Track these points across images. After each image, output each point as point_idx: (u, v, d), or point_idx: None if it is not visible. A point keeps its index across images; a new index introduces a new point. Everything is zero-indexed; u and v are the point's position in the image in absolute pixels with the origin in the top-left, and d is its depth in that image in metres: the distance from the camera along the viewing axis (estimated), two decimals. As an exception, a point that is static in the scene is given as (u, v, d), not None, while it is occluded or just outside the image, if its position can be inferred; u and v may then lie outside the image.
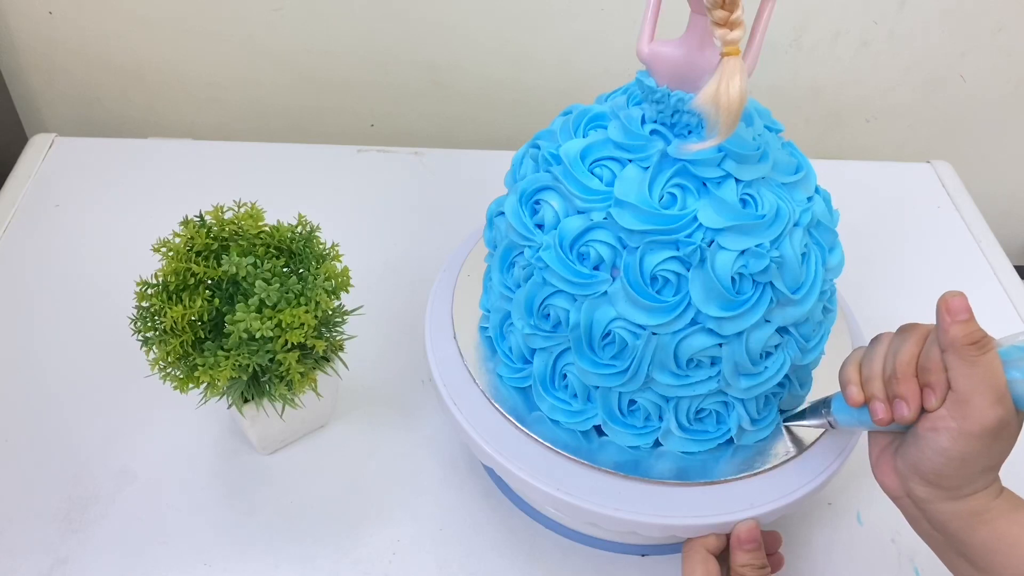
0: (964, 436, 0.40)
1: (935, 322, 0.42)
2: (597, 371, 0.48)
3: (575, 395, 0.51)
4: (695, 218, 0.44)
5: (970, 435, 0.40)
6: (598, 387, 0.49)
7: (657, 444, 0.51)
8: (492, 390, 0.53)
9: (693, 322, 0.45)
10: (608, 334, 0.47)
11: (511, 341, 0.53)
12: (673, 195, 0.45)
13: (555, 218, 0.48)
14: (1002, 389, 0.39)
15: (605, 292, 0.46)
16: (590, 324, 0.47)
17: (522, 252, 0.50)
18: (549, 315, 0.49)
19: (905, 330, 0.44)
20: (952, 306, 0.40)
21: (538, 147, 0.51)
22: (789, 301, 0.46)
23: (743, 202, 0.45)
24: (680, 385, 0.47)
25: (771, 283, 0.45)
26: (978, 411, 0.39)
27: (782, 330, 0.47)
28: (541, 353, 0.51)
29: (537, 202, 0.49)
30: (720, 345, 0.46)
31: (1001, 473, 0.43)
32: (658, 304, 0.45)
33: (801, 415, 0.52)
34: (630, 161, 0.46)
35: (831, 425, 0.49)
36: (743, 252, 0.44)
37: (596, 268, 0.47)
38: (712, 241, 0.44)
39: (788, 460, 0.51)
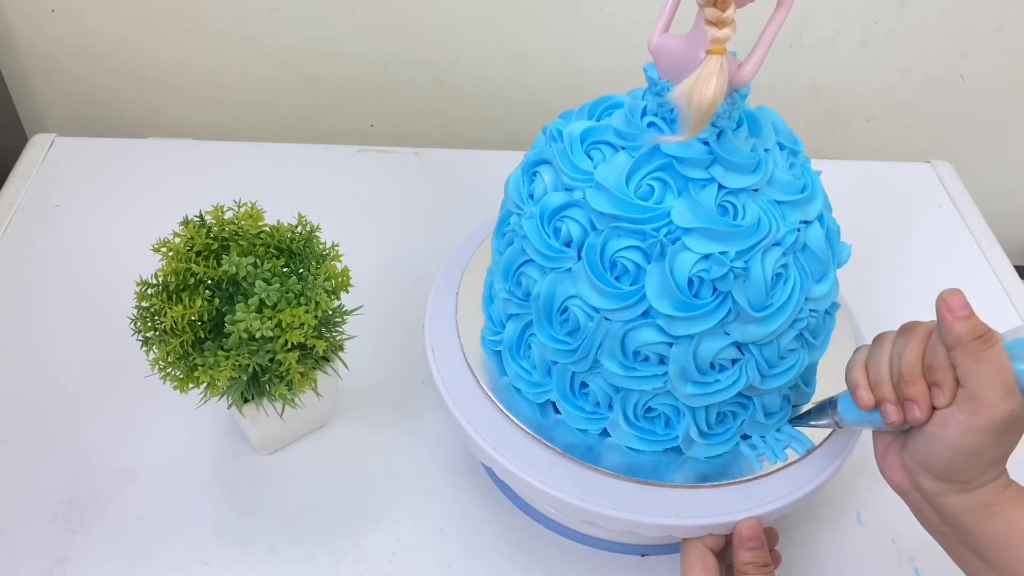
0: (974, 430, 0.40)
1: (936, 321, 0.42)
2: (553, 345, 0.49)
3: (535, 367, 0.52)
4: (667, 213, 0.44)
5: (980, 429, 0.40)
6: (556, 363, 0.50)
7: (606, 434, 0.51)
8: (478, 364, 0.54)
9: (645, 315, 0.46)
10: (565, 310, 0.48)
11: (495, 304, 0.54)
12: (651, 187, 0.45)
13: (544, 191, 0.49)
14: (1011, 382, 0.40)
15: (569, 269, 0.47)
16: (551, 297, 0.48)
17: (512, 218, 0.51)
18: (521, 283, 0.50)
19: (907, 330, 0.44)
20: (951, 304, 0.41)
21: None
22: (751, 318, 0.45)
23: (723, 208, 0.45)
24: (626, 376, 0.47)
25: (732, 295, 0.45)
26: (989, 405, 0.40)
27: (743, 346, 0.47)
28: (513, 319, 0.52)
29: (535, 174, 0.50)
30: (670, 345, 0.46)
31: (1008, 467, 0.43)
32: (612, 290, 0.45)
33: (807, 415, 0.52)
34: (623, 148, 0.46)
35: (838, 425, 0.49)
36: (706, 256, 0.44)
37: (568, 245, 0.47)
38: (678, 240, 0.44)
39: (789, 463, 0.51)
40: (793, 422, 0.52)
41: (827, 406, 0.50)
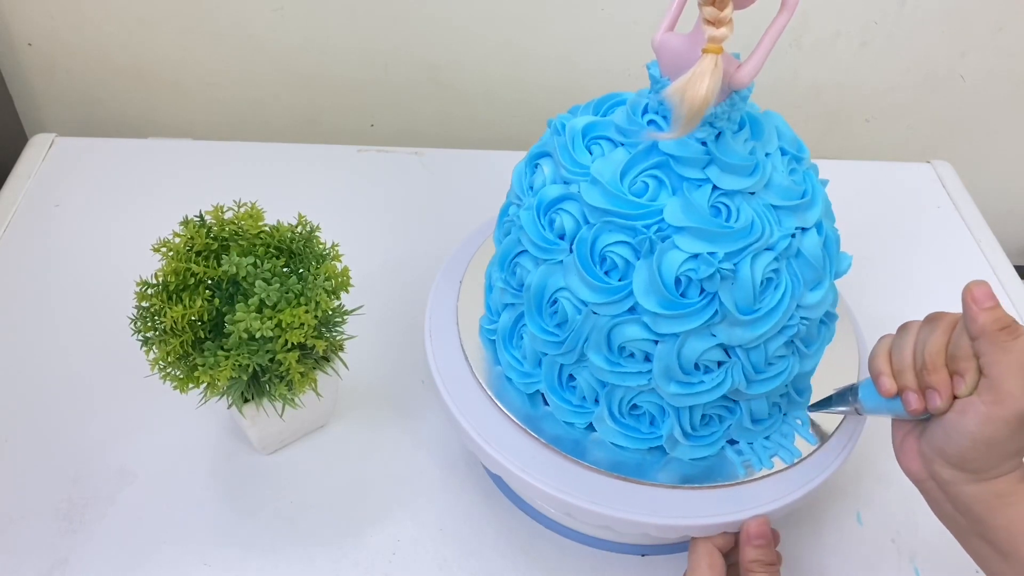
0: (993, 420, 0.40)
1: (961, 312, 0.42)
2: (542, 336, 0.49)
3: (526, 357, 0.52)
4: (659, 211, 0.44)
5: (999, 419, 0.40)
6: (546, 354, 0.50)
7: (593, 428, 0.51)
8: (478, 364, 0.55)
9: (631, 311, 0.46)
10: (555, 302, 0.48)
11: (493, 293, 0.55)
12: (646, 184, 0.45)
13: (543, 183, 0.49)
14: None
15: (561, 261, 0.47)
16: (542, 288, 0.48)
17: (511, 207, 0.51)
18: (516, 273, 0.50)
19: (933, 319, 0.45)
20: (977, 295, 0.41)
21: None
22: (737, 320, 0.45)
23: (716, 209, 0.44)
24: (611, 371, 0.47)
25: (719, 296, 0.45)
26: (1010, 395, 0.40)
27: (729, 349, 0.47)
28: (508, 309, 0.53)
29: (536, 165, 0.50)
30: (655, 342, 0.46)
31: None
32: (600, 284, 0.45)
33: (828, 401, 0.51)
34: (622, 144, 0.46)
35: (858, 412, 0.49)
36: (695, 256, 0.44)
37: (561, 237, 0.47)
38: (668, 237, 0.44)
39: (790, 464, 0.51)
40: (813, 407, 0.53)
41: (848, 393, 0.50)
